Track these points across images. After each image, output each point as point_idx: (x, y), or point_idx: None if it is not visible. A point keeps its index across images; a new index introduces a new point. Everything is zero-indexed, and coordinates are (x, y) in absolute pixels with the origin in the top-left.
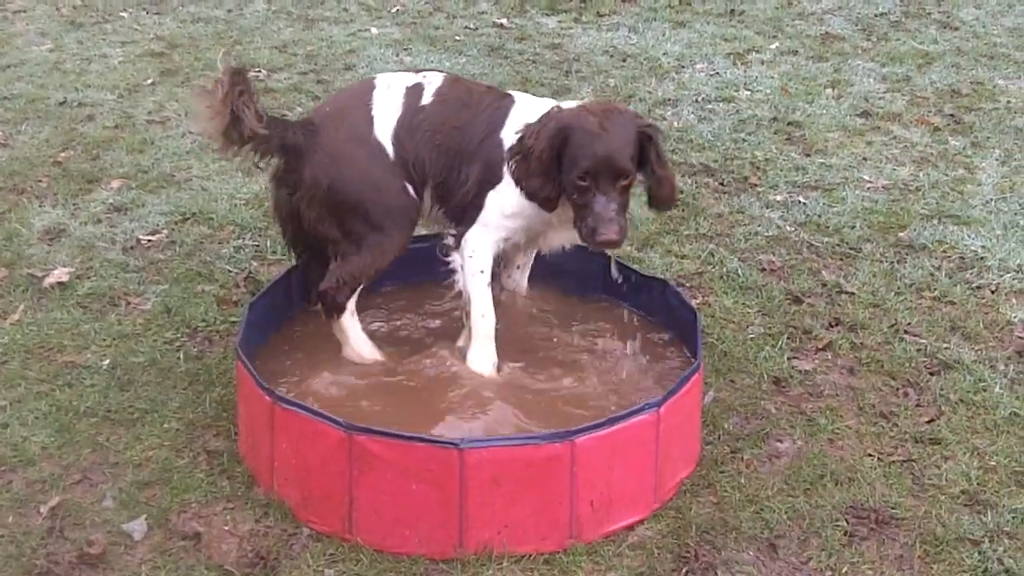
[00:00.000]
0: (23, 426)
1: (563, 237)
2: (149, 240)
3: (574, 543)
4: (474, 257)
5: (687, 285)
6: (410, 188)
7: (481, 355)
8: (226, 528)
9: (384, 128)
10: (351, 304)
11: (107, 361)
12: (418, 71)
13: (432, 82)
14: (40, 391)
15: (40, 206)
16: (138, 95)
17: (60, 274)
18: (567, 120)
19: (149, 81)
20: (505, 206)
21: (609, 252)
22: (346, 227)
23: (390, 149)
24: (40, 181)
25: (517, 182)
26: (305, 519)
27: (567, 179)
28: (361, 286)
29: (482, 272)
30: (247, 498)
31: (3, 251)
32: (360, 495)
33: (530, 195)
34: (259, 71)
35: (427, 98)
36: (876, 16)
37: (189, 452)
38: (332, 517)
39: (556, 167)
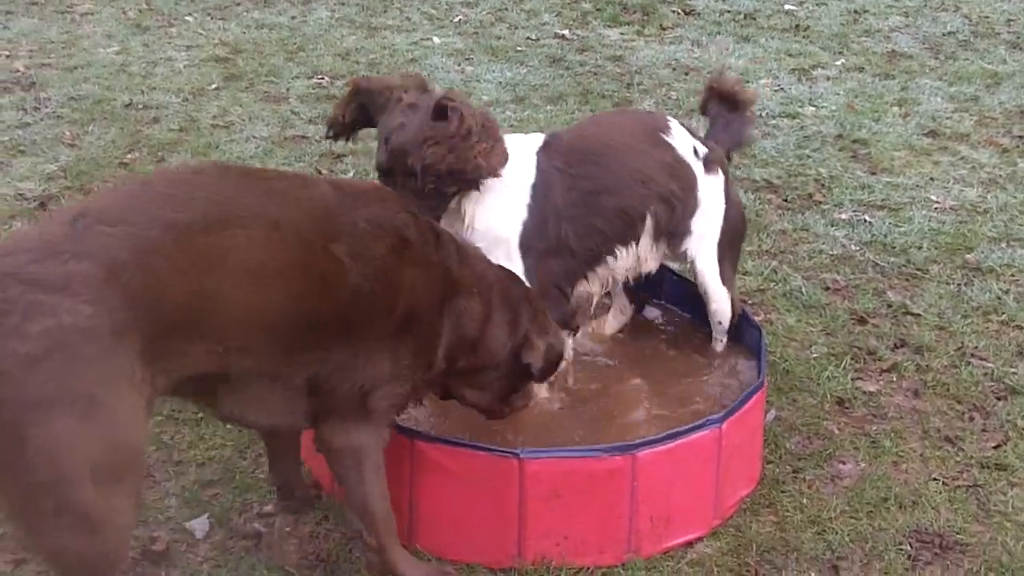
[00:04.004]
0: None
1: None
2: None
3: (632, 557)
4: None
5: (749, 302)
6: None
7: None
8: (287, 529)
9: None
10: None
11: None
12: None
13: None
14: None
15: None
16: (202, 99)
17: None
18: None
19: (213, 86)
20: None
21: (671, 266)
22: None
23: None
24: (107, 181)
25: None
26: None
27: None
28: None
29: None
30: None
31: None
32: (420, 502)
33: None
34: (322, 78)
35: None
36: (944, 35)
37: (252, 452)
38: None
39: None
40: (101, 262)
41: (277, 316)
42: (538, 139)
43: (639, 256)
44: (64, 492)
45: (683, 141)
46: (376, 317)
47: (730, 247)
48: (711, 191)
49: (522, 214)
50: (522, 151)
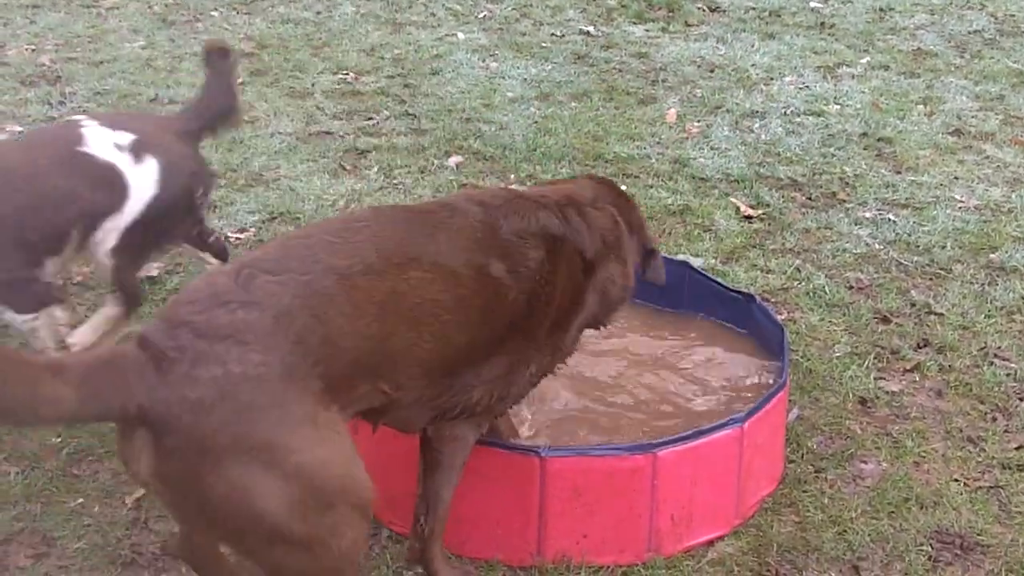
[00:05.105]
0: None
1: None
2: (237, 238)
3: (653, 556)
4: None
5: (772, 300)
6: None
7: None
8: None
9: None
10: None
11: None
12: None
13: None
14: None
15: None
16: None
17: (149, 268)
18: None
19: (239, 80)
20: None
21: (694, 264)
22: None
23: None
24: None
25: None
26: (386, 520)
27: None
28: None
29: None
30: None
31: None
32: None
33: None
34: (347, 74)
35: None
36: (969, 33)
37: None
38: (412, 519)
39: None
40: (268, 310)
41: (445, 350)
42: None
43: (64, 263)
44: (265, 531)
45: (100, 143)
46: (535, 327)
47: (145, 230)
48: (142, 180)
49: None
50: None
